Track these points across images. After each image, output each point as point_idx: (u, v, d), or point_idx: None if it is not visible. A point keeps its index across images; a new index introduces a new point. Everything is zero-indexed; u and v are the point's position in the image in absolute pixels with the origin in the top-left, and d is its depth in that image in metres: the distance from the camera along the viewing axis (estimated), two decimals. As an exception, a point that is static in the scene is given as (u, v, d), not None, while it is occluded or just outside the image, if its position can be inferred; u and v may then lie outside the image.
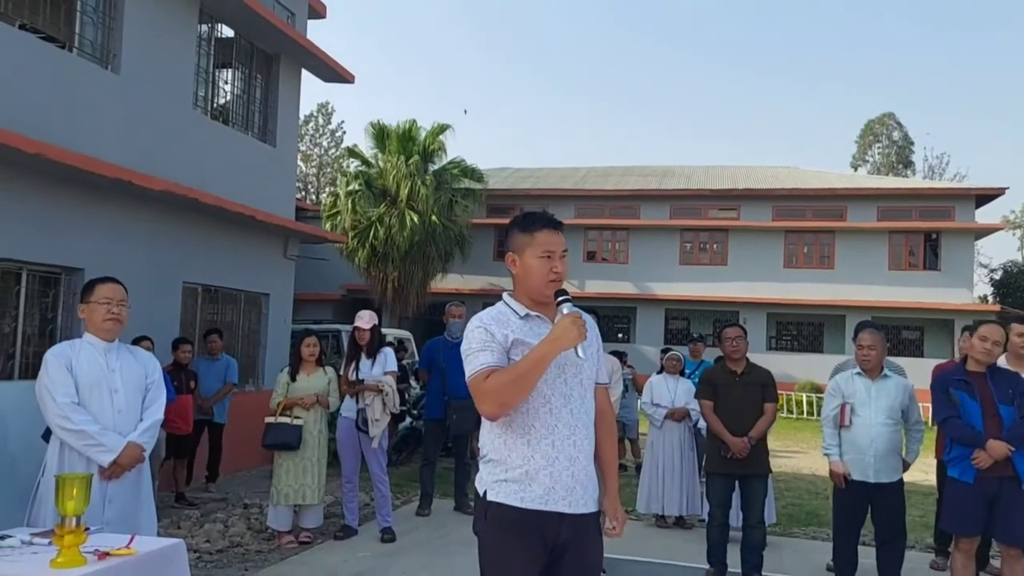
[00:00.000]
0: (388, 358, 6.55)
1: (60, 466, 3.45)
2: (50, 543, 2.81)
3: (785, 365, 23.53)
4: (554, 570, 2.59)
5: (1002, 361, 4.92)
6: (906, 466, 5.16)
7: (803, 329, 26.88)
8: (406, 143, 22.54)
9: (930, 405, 4.86)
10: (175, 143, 8.68)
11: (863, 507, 5.14)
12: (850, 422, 5.06)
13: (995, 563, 5.66)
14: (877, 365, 5.12)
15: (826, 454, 5.18)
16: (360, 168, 23.37)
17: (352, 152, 24.27)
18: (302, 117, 41.89)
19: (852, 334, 5.40)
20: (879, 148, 46.41)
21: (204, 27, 9.53)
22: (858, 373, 5.18)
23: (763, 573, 5.42)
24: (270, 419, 6.19)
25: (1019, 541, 4.56)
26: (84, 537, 2.72)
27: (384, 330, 14.17)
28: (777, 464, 11.76)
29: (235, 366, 8.47)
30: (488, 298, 25.33)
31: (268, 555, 5.83)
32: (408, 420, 10.40)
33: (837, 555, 5.25)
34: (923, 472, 8.69)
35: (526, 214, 2.74)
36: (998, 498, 4.53)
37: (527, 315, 2.64)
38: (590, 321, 2.74)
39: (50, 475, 3.44)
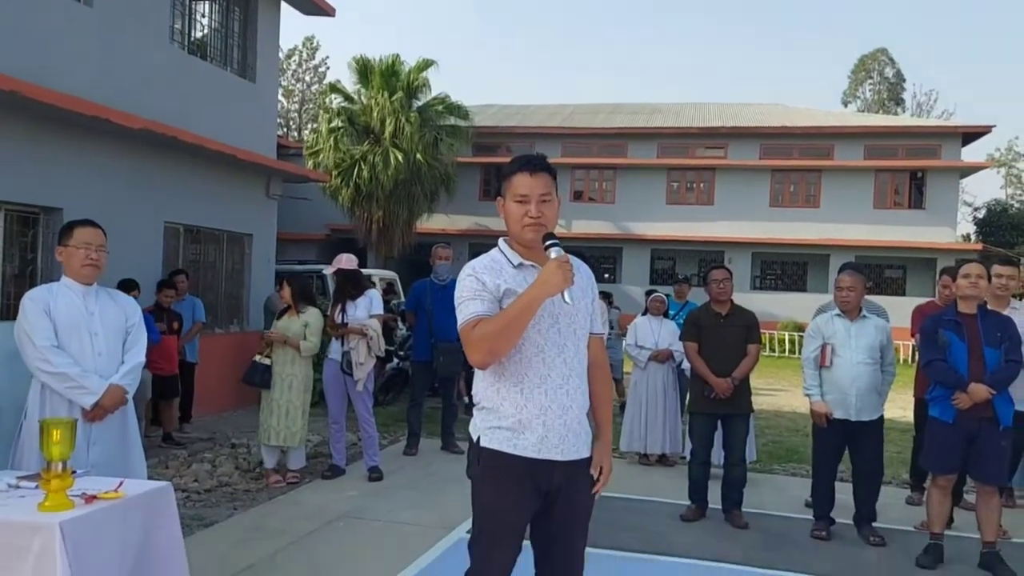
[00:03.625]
0: (374, 301, 6.53)
1: (42, 409, 3.44)
2: (37, 487, 2.82)
3: (768, 304, 23.73)
4: (547, 513, 2.62)
5: None
6: None
7: (787, 268, 27.04)
8: (389, 79, 22.11)
9: (909, 343, 4.92)
10: (152, 79, 8.46)
11: (842, 445, 5.25)
12: (831, 362, 5.13)
13: (969, 498, 5.80)
14: (856, 306, 5.18)
15: (807, 395, 5.26)
16: (343, 104, 22.95)
17: (334, 88, 23.79)
18: (285, 51, 41.02)
19: (836, 274, 5.44)
20: (870, 84, 46.05)
21: (178, -43, 9.20)
22: (838, 314, 5.23)
23: (743, 509, 5.55)
24: (256, 357, 6.29)
25: (994, 480, 4.68)
26: (71, 481, 2.72)
27: (370, 271, 14.14)
28: (759, 402, 11.85)
29: (201, 305, 8.44)
30: (475, 238, 25.26)
31: (256, 494, 5.90)
32: (395, 361, 10.44)
33: (816, 491, 5.38)
34: (902, 409, 8.84)
35: (512, 159, 2.69)
36: (976, 438, 4.63)
37: (520, 264, 2.60)
38: (585, 270, 2.72)
39: (32, 418, 3.43)
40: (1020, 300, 5.75)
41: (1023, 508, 6.25)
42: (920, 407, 5.89)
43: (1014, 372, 4.63)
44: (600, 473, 2.70)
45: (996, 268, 5.33)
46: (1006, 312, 5.14)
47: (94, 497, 2.80)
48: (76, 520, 2.63)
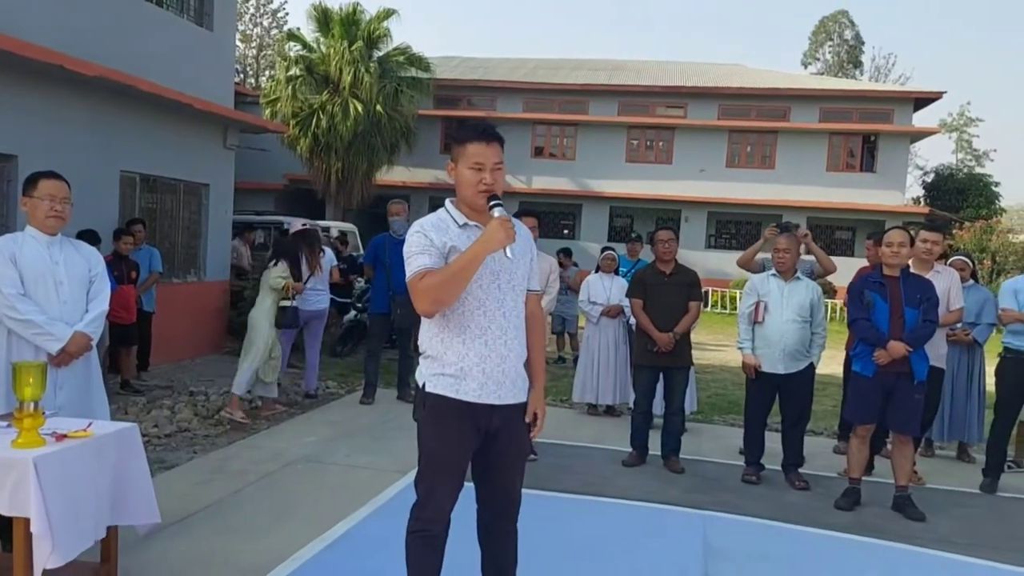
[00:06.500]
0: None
1: (8, 354, 3.56)
2: (9, 425, 2.98)
3: (722, 263, 24.23)
4: (487, 451, 2.87)
5: None
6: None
7: (742, 228, 27.54)
8: (349, 28, 21.79)
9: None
10: (107, 26, 8.35)
11: (771, 395, 5.62)
12: (763, 319, 5.47)
13: (891, 448, 6.22)
14: (791, 267, 5.51)
15: (740, 348, 5.62)
16: (301, 53, 22.58)
17: (293, 36, 23.36)
18: (240, -5, 39.82)
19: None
20: (830, 47, 46.45)
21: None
22: (773, 274, 5.56)
23: (681, 456, 5.90)
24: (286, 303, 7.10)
25: (908, 430, 5.08)
26: (42, 420, 2.89)
27: (327, 223, 14.22)
28: (707, 357, 12.39)
29: (158, 255, 8.47)
30: (435, 192, 25.24)
31: (216, 439, 6.09)
32: (353, 313, 10.60)
33: (747, 439, 5.75)
34: (840, 365, 9.30)
35: (463, 124, 2.87)
36: (893, 391, 5.00)
37: (465, 224, 2.80)
38: (525, 231, 2.93)
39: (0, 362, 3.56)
40: (944, 263, 6.11)
41: (941, 458, 6.74)
42: (849, 362, 6.28)
43: (930, 331, 5.00)
44: (535, 419, 2.96)
45: (922, 234, 5.68)
46: (929, 275, 5.49)
47: (64, 436, 2.97)
48: (48, 456, 2.81)
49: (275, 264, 7.09)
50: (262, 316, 6.88)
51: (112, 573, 3.28)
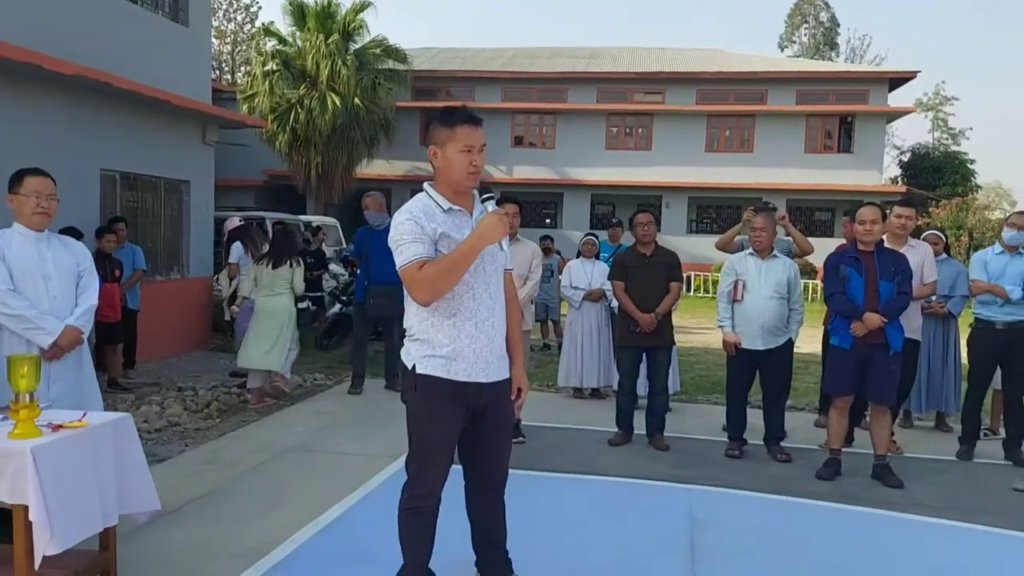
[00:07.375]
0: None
1: (0, 349, 3.61)
2: (5, 417, 3.03)
3: (704, 247, 24.35)
4: (476, 428, 2.97)
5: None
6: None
7: (722, 212, 27.74)
8: (325, 21, 21.74)
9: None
10: (83, 23, 8.32)
11: (752, 371, 5.74)
12: (742, 297, 5.58)
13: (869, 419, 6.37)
14: (767, 246, 5.62)
15: (720, 326, 5.74)
16: (277, 47, 22.48)
17: (268, 30, 23.25)
18: (213, -9, 39.44)
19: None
20: (806, 29, 46.72)
21: None
22: (750, 253, 5.68)
23: (665, 434, 6.02)
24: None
25: (885, 400, 5.21)
26: (38, 412, 2.94)
27: (308, 217, 14.25)
28: (691, 339, 12.53)
29: (141, 253, 8.48)
30: (415, 183, 25.18)
31: (207, 432, 6.14)
32: (338, 306, 10.64)
33: (729, 414, 5.88)
34: (821, 344, 9.44)
35: (447, 109, 2.94)
36: (870, 363, 5.13)
37: (450, 209, 2.88)
38: None
39: (-9, 357, 3.60)
40: (917, 239, 6.24)
41: (919, 429, 6.90)
42: (827, 337, 6.40)
43: (904, 303, 5.13)
44: (519, 393, 3.06)
45: (896, 209, 5.82)
46: (903, 249, 5.62)
47: (60, 426, 3.03)
48: (46, 446, 2.86)
49: (297, 264, 7.31)
50: (289, 309, 7.18)
51: (111, 561, 3.34)
